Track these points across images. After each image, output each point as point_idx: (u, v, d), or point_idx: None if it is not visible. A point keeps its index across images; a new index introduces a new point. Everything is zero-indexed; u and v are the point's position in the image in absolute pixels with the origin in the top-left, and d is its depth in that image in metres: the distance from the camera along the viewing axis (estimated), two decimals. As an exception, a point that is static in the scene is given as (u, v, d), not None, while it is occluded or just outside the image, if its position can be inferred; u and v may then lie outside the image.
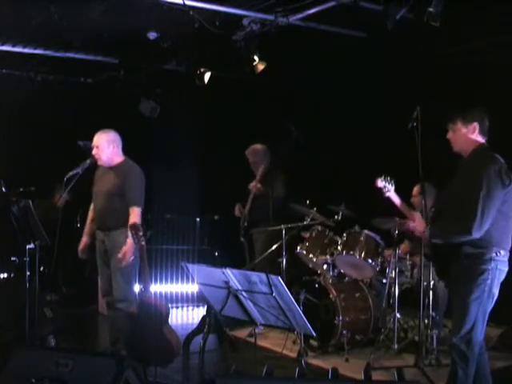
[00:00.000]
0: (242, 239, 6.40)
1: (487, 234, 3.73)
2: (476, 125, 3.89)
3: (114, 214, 5.08)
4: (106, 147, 5.14)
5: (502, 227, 3.79)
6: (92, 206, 5.42)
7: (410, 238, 6.01)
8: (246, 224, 6.28)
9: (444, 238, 3.84)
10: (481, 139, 3.93)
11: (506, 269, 3.84)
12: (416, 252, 5.79)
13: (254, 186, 6.36)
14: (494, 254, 3.75)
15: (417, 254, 5.74)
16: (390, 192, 4.10)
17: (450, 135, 4.00)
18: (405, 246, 6.09)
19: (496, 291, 3.81)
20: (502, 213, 3.76)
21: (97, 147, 5.16)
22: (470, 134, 3.91)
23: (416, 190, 5.81)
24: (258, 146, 6.66)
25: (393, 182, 4.10)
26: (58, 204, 6.77)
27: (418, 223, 3.99)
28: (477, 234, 3.69)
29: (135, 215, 5.01)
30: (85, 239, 5.39)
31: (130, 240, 4.90)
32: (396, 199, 4.15)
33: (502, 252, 3.79)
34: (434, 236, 3.88)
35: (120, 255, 4.94)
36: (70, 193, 5.17)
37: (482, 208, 3.66)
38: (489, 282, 3.75)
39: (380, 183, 4.10)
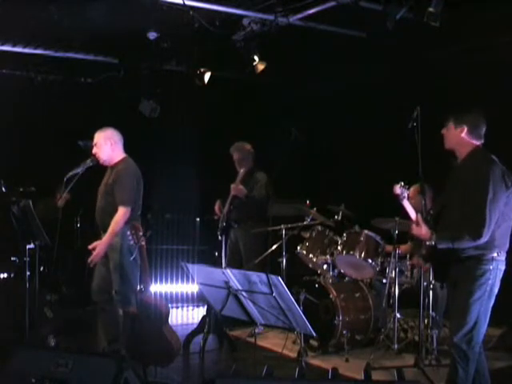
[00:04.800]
0: (220, 238, 6.38)
1: (490, 235, 3.74)
2: (464, 127, 3.93)
3: (109, 214, 5.05)
4: (103, 144, 5.13)
5: (503, 228, 3.81)
6: None
7: (411, 239, 6.00)
8: (224, 224, 6.26)
9: (453, 244, 3.83)
10: (475, 141, 3.95)
11: (504, 268, 3.85)
12: (416, 253, 5.78)
13: (234, 187, 6.31)
14: (495, 254, 3.77)
15: (416, 256, 5.74)
16: (405, 199, 4.11)
17: (443, 131, 4.06)
18: (406, 247, 6.07)
19: (496, 290, 3.82)
20: (503, 214, 3.79)
21: (95, 145, 5.16)
22: (459, 135, 3.95)
23: (412, 191, 5.78)
24: (246, 145, 6.63)
25: (408, 188, 4.10)
26: (58, 204, 6.79)
27: (424, 231, 3.98)
28: (485, 238, 3.71)
29: (119, 214, 4.95)
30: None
31: (105, 238, 4.92)
32: (409, 208, 4.14)
33: (502, 252, 3.82)
34: (442, 242, 3.88)
35: (90, 246, 4.96)
36: (71, 193, 5.17)
37: (489, 212, 3.69)
38: (490, 281, 3.77)
39: (398, 190, 4.10)
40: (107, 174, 5.22)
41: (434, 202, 5.34)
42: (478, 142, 3.96)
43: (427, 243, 3.99)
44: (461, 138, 3.94)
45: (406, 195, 4.09)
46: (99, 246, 4.95)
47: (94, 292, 5.26)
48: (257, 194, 6.36)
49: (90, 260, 4.99)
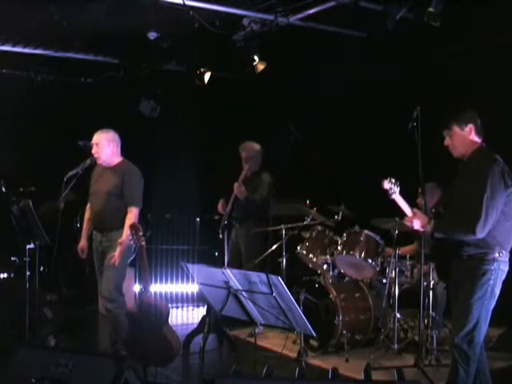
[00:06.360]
0: (221, 236, 6.38)
1: (490, 234, 3.74)
2: (471, 126, 3.92)
3: (112, 215, 5.09)
4: (106, 146, 5.16)
5: (504, 228, 3.81)
6: (88, 207, 5.42)
7: (418, 238, 5.97)
8: (226, 222, 6.26)
9: (447, 233, 3.86)
10: (477, 139, 3.95)
11: (506, 269, 3.85)
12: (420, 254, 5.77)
13: (236, 187, 6.31)
14: (497, 255, 3.77)
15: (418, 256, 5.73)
16: (396, 194, 4.10)
17: (447, 142, 4.01)
18: (408, 249, 6.04)
19: (497, 291, 3.82)
20: (504, 213, 3.78)
21: (96, 145, 5.17)
22: (467, 136, 3.93)
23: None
24: (255, 144, 6.63)
25: (398, 184, 4.10)
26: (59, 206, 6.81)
27: (419, 217, 3.99)
28: (480, 234, 3.71)
29: (133, 215, 5.03)
30: (82, 242, 5.39)
31: (124, 237, 4.93)
32: (402, 203, 4.13)
33: (504, 252, 3.81)
34: (438, 229, 3.89)
35: (120, 240, 4.95)
36: (71, 193, 5.18)
37: (486, 209, 3.68)
38: (491, 282, 3.76)
39: (386, 185, 4.09)
40: (105, 175, 5.23)
41: (437, 201, 5.34)
42: (479, 140, 3.96)
43: (421, 230, 3.98)
44: (468, 138, 3.92)
45: (395, 190, 4.09)
46: (121, 246, 4.95)
47: (101, 293, 5.29)
48: (258, 196, 6.35)
49: (112, 261, 4.98)
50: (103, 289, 5.08)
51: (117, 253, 4.95)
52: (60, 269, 7.89)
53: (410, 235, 5.70)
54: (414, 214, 4.05)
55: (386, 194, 4.11)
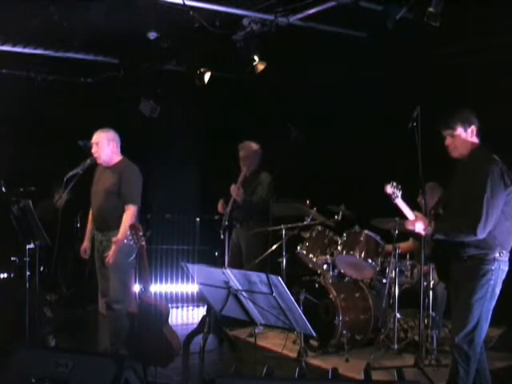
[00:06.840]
0: (222, 236, 6.37)
1: (491, 234, 3.75)
2: (474, 127, 3.93)
3: (111, 214, 5.09)
4: (106, 145, 5.16)
5: (504, 228, 3.82)
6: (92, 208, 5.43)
7: (414, 236, 5.98)
8: (226, 223, 6.26)
9: (448, 235, 3.86)
10: (477, 140, 3.96)
11: (507, 268, 3.86)
12: (418, 253, 5.77)
13: (233, 189, 6.30)
14: (498, 255, 3.77)
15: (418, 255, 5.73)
16: (398, 198, 4.10)
17: (448, 142, 4.00)
18: (406, 245, 6.06)
19: (498, 291, 3.83)
20: (504, 213, 3.79)
21: (96, 144, 5.18)
22: (469, 137, 3.94)
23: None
24: (253, 144, 6.63)
25: (400, 188, 4.10)
26: (57, 204, 6.80)
27: (421, 221, 3.99)
28: (481, 235, 3.72)
29: (130, 213, 5.01)
30: (85, 243, 5.39)
31: (120, 235, 4.92)
32: (404, 207, 4.13)
33: (505, 252, 3.82)
34: (439, 232, 3.89)
35: (114, 239, 4.94)
36: (71, 193, 5.18)
37: (486, 209, 3.69)
38: (492, 282, 3.77)
39: (389, 189, 4.09)
40: (104, 174, 5.23)
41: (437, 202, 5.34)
42: (477, 140, 3.97)
43: (424, 233, 3.98)
44: (470, 139, 3.93)
45: (398, 195, 4.09)
46: (116, 244, 4.95)
47: (102, 293, 5.28)
48: (257, 197, 6.34)
49: (107, 259, 4.99)
50: (110, 289, 5.08)
51: (111, 251, 4.95)
52: (60, 269, 7.89)
53: (405, 233, 5.71)
54: (416, 217, 4.05)
55: (389, 198, 4.11)
